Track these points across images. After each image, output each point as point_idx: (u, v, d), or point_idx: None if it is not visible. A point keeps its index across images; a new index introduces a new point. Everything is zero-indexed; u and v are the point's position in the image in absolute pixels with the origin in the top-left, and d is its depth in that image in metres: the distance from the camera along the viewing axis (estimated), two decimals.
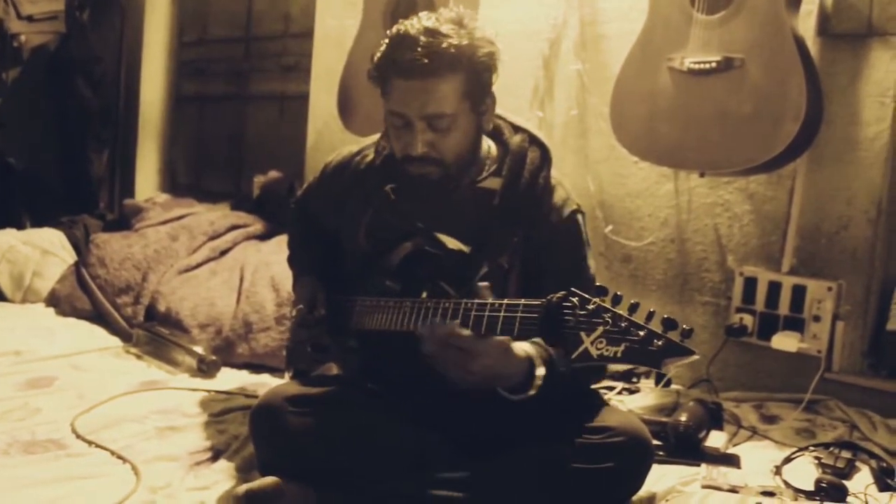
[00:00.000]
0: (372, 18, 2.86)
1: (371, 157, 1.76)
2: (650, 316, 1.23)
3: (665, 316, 1.22)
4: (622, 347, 1.22)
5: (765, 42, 2.06)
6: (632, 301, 1.25)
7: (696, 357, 1.21)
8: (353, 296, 1.73)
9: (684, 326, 1.21)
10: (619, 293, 1.25)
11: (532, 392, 1.44)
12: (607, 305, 1.25)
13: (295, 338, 1.83)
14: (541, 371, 1.44)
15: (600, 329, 1.23)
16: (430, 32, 1.52)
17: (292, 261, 1.98)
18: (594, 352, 1.23)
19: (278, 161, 3.80)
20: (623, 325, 1.22)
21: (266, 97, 4.14)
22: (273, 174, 3.70)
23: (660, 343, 1.20)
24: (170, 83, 4.59)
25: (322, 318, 1.75)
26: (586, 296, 1.27)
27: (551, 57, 2.80)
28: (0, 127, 4.05)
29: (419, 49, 1.50)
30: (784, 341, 2.33)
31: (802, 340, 2.33)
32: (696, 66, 2.13)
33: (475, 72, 1.56)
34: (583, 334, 1.24)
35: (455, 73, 1.53)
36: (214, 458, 1.86)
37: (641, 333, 1.21)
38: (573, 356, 1.25)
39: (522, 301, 1.35)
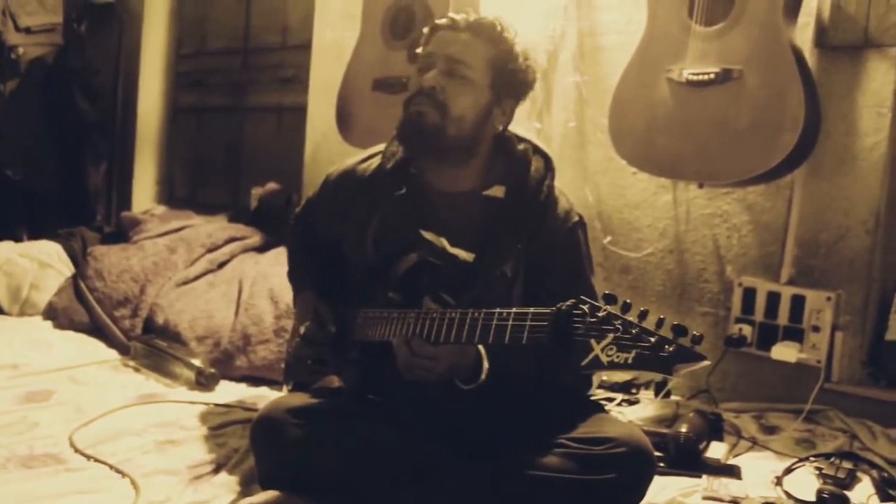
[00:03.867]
0: (370, 31, 2.87)
1: (377, 163, 1.78)
2: (660, 323, 1.23)
3: (675, 323, 1.22)
4: (633, 354, 1.21)
5: (763, 53, 2.07)
6: (641, 308, 1.25)
7: (706, 363, 1.21)
8: (356, 308, 1.73)
9: (694, 333, 1.21)
10: (628, 301, 1.25)
11: (482, 379, 1.53)
12: (617, 313, 1.25)
13: (300, 353, 1.82)
14: (486, 364, 1.54)
15: (611, 336, 1.23)
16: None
17: (292, 276, 1.98)
18: (605, 359, 1.23)
19: (276, 173, 3.80)
20: (634, 331, 1.22)
21: (264, 109, 4.14)
22: (271, 186, 3.69)
23: (671, 349, 1.20)
24: (167, 95, 4.59)
25: (332, 335, 1.75)
26: (596, 303, 1.27)
27: (549, 69, 2.81)
28: None
29: (471, 19, 1.67)
30: (783, 352, 2.33)
31: (802, 351, 2.33)
32: (695, 78, 2.14)
33: (508, 62, 1.66)
34: (593, 342, 1.24)
35: (490, 47, 1.65)
36: (214, 472, 1.85)
37: (652, 340, 1.21)
38: (583, 363, 1.25)
39: (532, 310, 1.36)
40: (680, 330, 1.21)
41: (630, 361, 1.22)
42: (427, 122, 1.63)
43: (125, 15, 4.48)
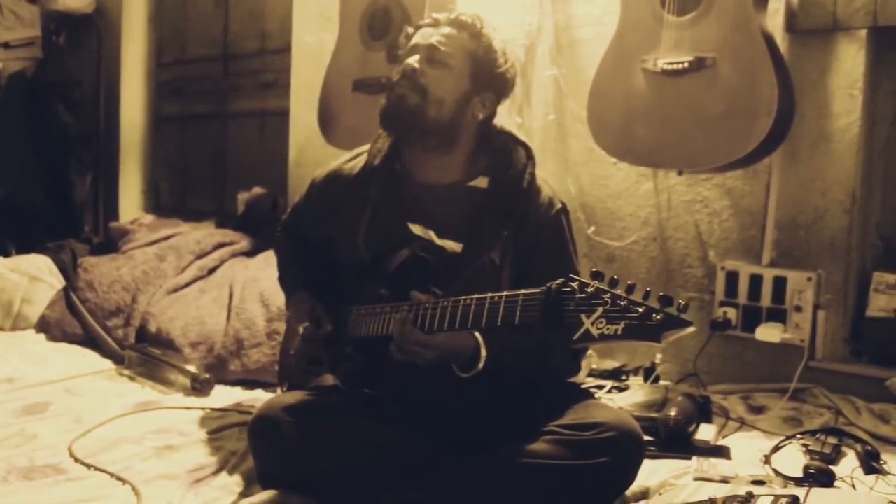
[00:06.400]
0: (348, 32, 2.88)
1: (363, 162, 1.82)
2: (647, 295, 1.26)
3: (661, 294, 1.25)
4: (622, 325, 1.24)
5: (735, 41, 2.10)
6: (628, 283, 1.28)
7: (693, 328, 1.23)
8: (348, 306, 1.77)
9: (680, 301, 1.24)
10: (615, 276, 1.29)
11: (480, 367, 1.57)
12: (605, 287, 1.28)
13: (301, 354, 1.85)
14: (484, 352, 1.58)
15: (600, 310, 1.26)
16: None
17: (283, 281, 2.01)
18: (595, 332, 1.26)
19: (261, 177, 3.82)
20: (622, 304, 1.25)
21: (246, 114, 4.15)
22: (256, 190, 3.71)
23: (658, 317, 1.22)
24: (149, 104, 4.60)
25: (329, 333, 1.78)
26: (584, 280, 1.30)
27: (527, 63, 2.83)
28: None
29: (452, 16, 1.75)
30: (768, 332, 2.37)
31: (785, 331, 2.37)
32: (669, 67, 2.17)
33: (487, 56, 1.73)
34: (583, 316, 1.27)
35: (470, 40, 1.72)
36: (214, 475, 1.87)
37: (640, 310, 1.24)
38: (574, 338, 1.28)
39: (522, 291, 1.40)
40: (666, 300, 1.24)
41: (619, 332, 1.25)
42: (408, 103, 1.69)
43: (103, 26, 4.47)
